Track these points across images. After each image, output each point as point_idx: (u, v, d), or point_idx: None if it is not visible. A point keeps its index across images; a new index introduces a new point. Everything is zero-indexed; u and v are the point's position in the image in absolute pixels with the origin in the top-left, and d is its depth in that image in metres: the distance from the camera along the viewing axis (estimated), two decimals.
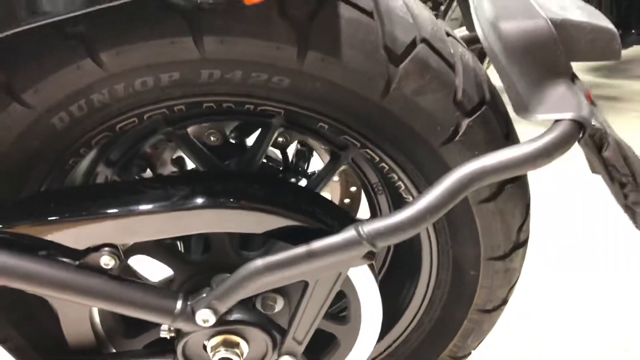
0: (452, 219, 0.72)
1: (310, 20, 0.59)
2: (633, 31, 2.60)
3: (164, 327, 0.70)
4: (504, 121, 0.70)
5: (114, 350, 0.76)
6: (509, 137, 0.70)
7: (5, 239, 0.63)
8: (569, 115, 0.60)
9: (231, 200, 0.63)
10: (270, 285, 0.64)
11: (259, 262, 0.62)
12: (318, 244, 0.61)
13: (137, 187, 0.66)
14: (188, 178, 0.71)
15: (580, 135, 0.61)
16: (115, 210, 0.63)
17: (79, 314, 0.70)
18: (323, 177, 0.82)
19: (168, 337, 0.71)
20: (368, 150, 0.69)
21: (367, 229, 0.59)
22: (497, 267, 0.76)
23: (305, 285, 0.66)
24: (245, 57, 0.60)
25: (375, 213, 0.90)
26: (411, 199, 0.73)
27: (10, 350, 0.77)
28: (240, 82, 0.63)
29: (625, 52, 2.83)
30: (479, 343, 0.86)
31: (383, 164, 0.70)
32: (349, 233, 0.60)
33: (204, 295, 0.66)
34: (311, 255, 0.61)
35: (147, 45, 0.58)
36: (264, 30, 0.59)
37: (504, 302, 0.81)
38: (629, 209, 0.69)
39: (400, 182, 0.71)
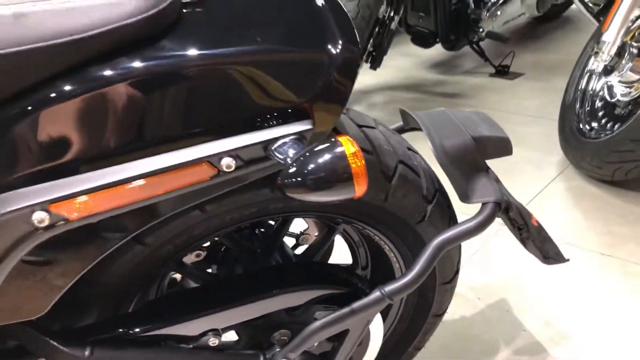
0: None
1: None
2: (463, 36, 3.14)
3: None
4: (448, 201, 1.07)
5: None
6: (452, 213, 1.07)
7: (139, 339, 0.89)
8: (492, 199, 0.98)
9: (301, 283, 0.94)
10: (325, 336, 0.96)
11: (319, 323, 0.94)
12: (357, 304, 0.94)
13: (230, 285, 0.94)
14: (262, 274, 1.01)
15: (500, 210, 1.00)
16: (217, 306, 0.91)
17: None
18: (321, 246, 1.14)
19: None
20: (368, 229, 1.02)
21: (386, 290, 0.94)
22: (446, 287, 1.15)
23: (346, 331, 0.99)
24: None
25: (355, 258, 1.24)
26: (392, 255, 1.08)
27: None
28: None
29: (457, 53, 3.41)
30: (431, 335, 1.25)
31: (375, 236, 1.04)
32: (375, 294, 0.94)
33: (278, 349, 0.97)
34: (353, 313, 0.94)
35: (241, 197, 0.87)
36: None
37: (447, 307, 1.21)
38: (522, 241, 1.11)
39: (386, 245, 1.06)
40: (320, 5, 0.80)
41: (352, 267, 1.24)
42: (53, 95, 0.68)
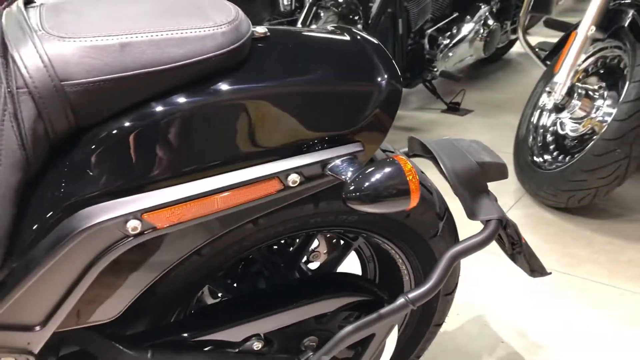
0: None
1: None
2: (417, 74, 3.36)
3: None
4: (453, 218, 1.20)
5: None
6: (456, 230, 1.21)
7: (191, 344, 0.96)
8: (495, 216, 1.12)
9: (333, 292, 1.04)
10: (354, 340, 1.06)
11: (350, 327, 1.04)
12: (384, 310, 1.04)
13: (270, 294, 1.03)
14: (296, 283, 1.11)
15: (502, 227, 1.14)
16: (260, 313, 0.99)
17: None
18: (338, 259, 1.24)
19: None
20: (387, 243, 1.14)
21: (410, 296, 1.05)
22: (447, 299, 1.27)
23: (372, 336, 1.09)
24: None
25: (365, 271, 1.34)
26: (403, 268, 1.20)
27: None
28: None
29: (411, 90, 3.63)
30: (429, 344, 1.37)
31: (391, 250, 1.16)
32: (400, 300, 1.05)
33: (311, 354, 1.06)
34: (381, 318, 1.05)
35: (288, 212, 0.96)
36: None
37: (445, 318, 1.33)
38: (512, 256, 1.25)
39: (399, 259, 1.18)
40: (366, 46, 0.93)
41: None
42: (148, 116, 0.77)
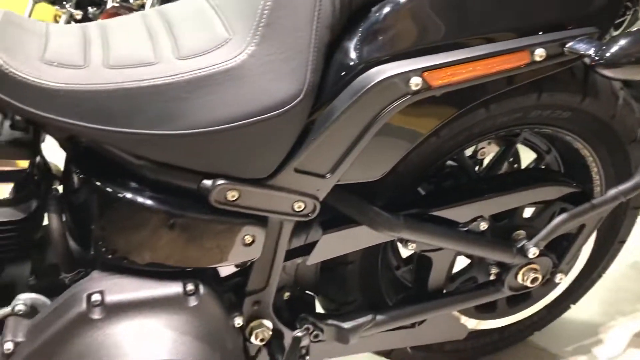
0: None
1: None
2: None
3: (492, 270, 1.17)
4: None
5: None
6: None
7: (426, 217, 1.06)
8: None
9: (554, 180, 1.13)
10: (568, 228, 1.14)
11: (564, 216, 1.11)
12: (596, 201, 1.12)
13: (496, 178, 1.14)
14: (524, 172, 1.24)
15: None
16: (487, 195, 1.09)
17: (445, 263, 1.14)
18: (505, 158, 1.26)
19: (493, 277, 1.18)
20: (584, 145, 1.21)
21: (620, 188, 1.11)
22: (634, 213, 1.33)
23: (582, 227, 1.16)
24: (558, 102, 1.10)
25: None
26: (595, 171, 1.25)
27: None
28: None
29: None
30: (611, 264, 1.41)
31: (585, 149, 1.22)
32: (612, 192, 1.12)
33: (525, 241, 1.14)
34: (594, 207, 1.12)
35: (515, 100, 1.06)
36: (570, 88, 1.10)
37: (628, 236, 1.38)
38: None
39: (592, 161, 1.23)
40: None
41: None
42: None
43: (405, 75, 0.88)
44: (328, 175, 0.92)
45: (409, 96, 0.89)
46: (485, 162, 1.32)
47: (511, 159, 1.32)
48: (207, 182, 0.87)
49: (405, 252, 1.35)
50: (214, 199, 0.88)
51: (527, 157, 1.32)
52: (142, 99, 0.82)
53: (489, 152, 1.33)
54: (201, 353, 0.88)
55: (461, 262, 1.22)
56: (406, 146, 0.97)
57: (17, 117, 0.95)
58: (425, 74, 0.89)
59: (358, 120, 0.89)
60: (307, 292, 1.15)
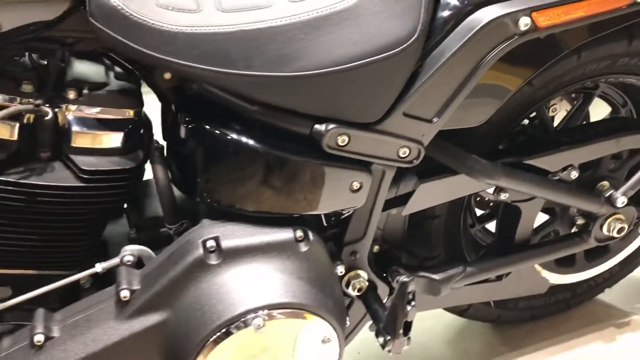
0: None
1: None
2: None
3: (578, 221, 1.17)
4: None
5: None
6: None
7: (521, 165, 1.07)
8: None
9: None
10: None
11: None
12: None
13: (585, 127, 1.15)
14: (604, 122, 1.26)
15: None
16: (577, 143, 1.09)
17: (534, 213, 1.14)
18: (583, 110, 1.25)
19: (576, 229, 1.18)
20: None
21: None
22: None
23: None
24: None
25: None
26: None
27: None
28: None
29: None
30: None
31: None
32: None
33: (612, 191, 1.14)
34: None
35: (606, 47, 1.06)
36: None
37: None
38: None
39: None
40: None
41: None
42: None
43: (515, 15, 0.87)
44: (435, 120, 0.92)
45: (516, 37, 0.89)
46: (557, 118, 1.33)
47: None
48: (320, 127, 0.87)
49: (479, 211, 1.35)
50: (326, 144, 0.88)
51: (596, 113, 1.32)
52: (260, 41, 0.82)
53: (561, 109, 1.34)
54: (315, 297, 0.88)
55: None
56: (507, 92, 0.97)
57: (117, 69, 0.95)
58: (534, 14, 0.88)
59: (466, 63, 0.89)
60: (392, 246, 1.15)
